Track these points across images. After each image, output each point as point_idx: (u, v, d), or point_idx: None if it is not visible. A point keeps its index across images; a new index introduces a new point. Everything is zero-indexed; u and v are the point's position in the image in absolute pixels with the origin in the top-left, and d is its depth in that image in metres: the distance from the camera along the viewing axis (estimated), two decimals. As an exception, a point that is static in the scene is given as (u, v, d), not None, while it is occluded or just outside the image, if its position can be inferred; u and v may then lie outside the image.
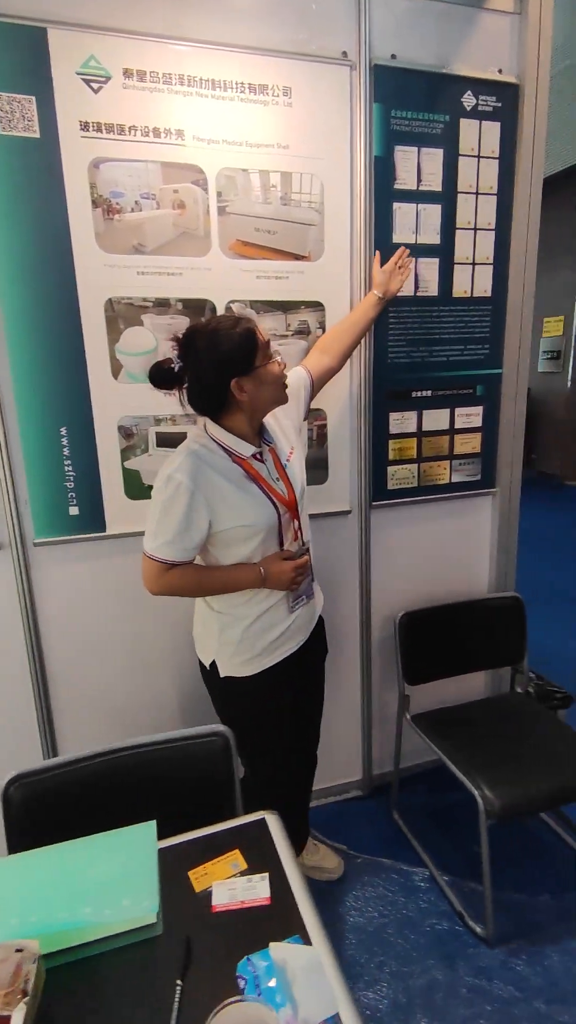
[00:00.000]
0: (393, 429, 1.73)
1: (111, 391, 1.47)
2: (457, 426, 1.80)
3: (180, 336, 1.15)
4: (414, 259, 1.62)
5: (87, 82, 1.31)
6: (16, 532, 1.47)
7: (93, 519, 1.52)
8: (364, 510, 1.75)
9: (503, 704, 1.82)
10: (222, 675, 1.30)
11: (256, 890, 0.89)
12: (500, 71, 1.60)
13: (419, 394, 1.73)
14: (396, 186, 1.57)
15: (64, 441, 1.46)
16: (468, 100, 1.58)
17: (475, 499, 1.89)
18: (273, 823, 1.03)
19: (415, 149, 1.56)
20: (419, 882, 1.66)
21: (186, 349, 1.14)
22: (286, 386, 1.24)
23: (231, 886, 0.90)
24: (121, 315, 1.44)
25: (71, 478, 1.49)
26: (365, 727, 1.94)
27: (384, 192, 1.56)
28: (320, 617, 1.49)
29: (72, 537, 1.51)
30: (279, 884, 0.90)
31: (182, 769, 1.16)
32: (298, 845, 1.68)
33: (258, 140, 1.44)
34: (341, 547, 1.78)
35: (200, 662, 1.36)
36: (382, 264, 1.57)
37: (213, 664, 1.31)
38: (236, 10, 1.37)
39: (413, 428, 1.75)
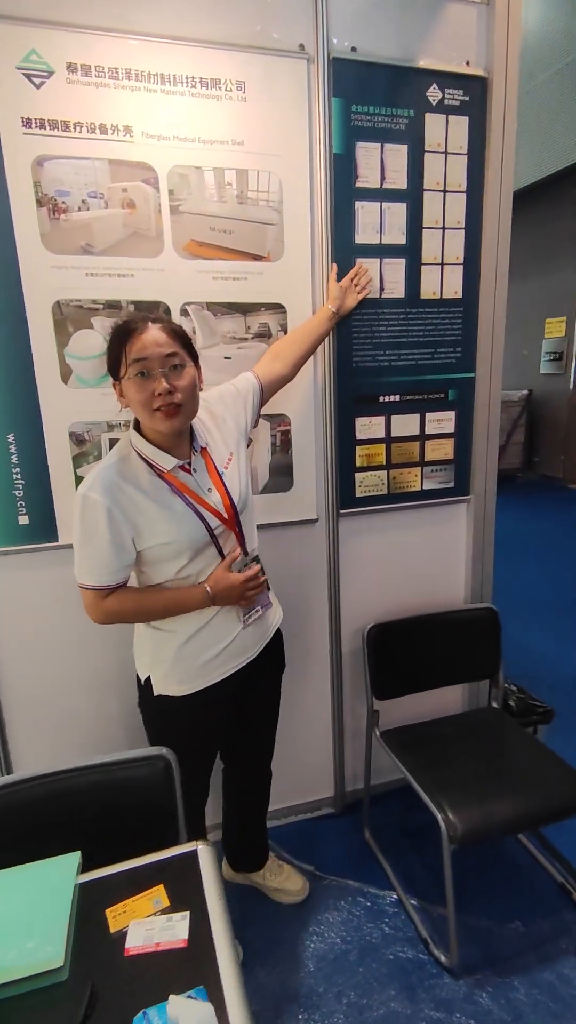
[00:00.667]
0: (360, 435, 1.67)
1: (61, 396, 1.42)
2: (428, 432, 1.74)
3: None
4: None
5: (28, 77, 1.26)
6: (-37, 542, 1.43)
7: (44, 528, 1.47)
8: (332, 518, 1.69)
9: (477, 720, 1.75)
10: (156, 693, 1.25)
11: (174, 931, 0.83)
12: (468, 63, 1.54)
13: (387, 399, 1.67)
14: (358, 184, 1.51)
15: (12, 448, 1.42)
16: (434, 94, 1.52)
17: (449, 507, 1.83)
18: (204, 855, 0.97)
19: (378, 145, 1.51)
20: (386, 906, 1.59)
21: None
22: (159, 411, 1.08)
23: (149, 926, 0.84)
24: (70, 318, 1.39)
25: (20, 486, 1.44)
26: (337, 742, 1.88)
27: (345, 190, 1.50)
28: (279, 631, 1.43)
29: (22, 547, 1.47)
30: (200, 923, 0.84)
31: (122, 793, 1.11)
32: (255, 863, 1.63)
33: (212, 136, 1.39)
34: (309, 556, 1.72)
35: (137, 675, 1.31)
36: (339, 277, 1.52)
37: (148, 680, 1.26)
38: (186, 1, 1.32)
39: (381, 434, 1.69)
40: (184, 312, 1.46)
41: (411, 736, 1.67)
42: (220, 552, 1.20)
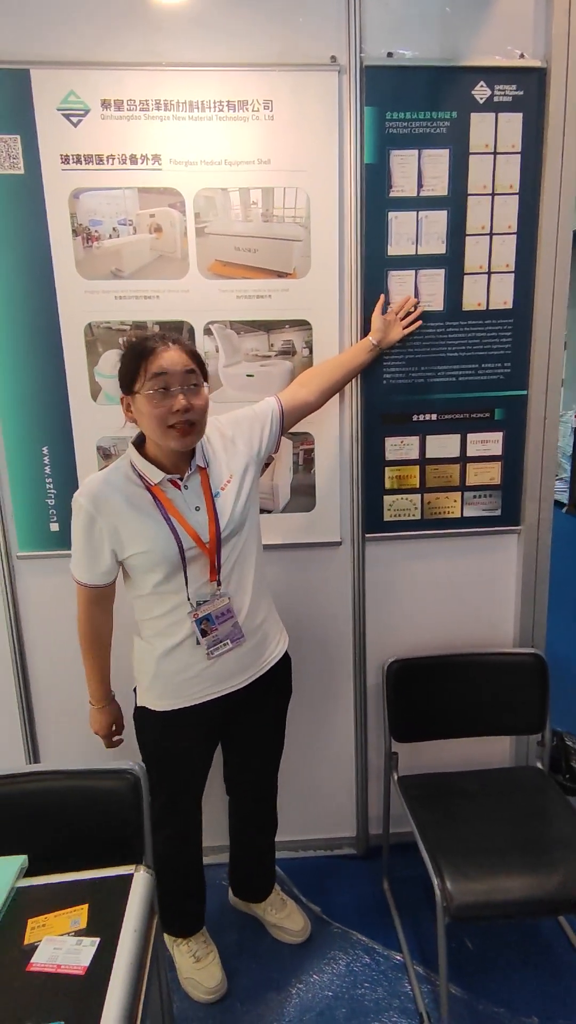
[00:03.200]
0: (390, 455, 1.57)
1: (90, 412, 1.50)
2: (470, 454, 1.59)
3: None
4: (412, 269, 1.47)
5: (67, 116, 1.36)
6: (2, 544, 1.55)
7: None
8: (357, 542, 1.61)
9: (513, 779, 1.56)
10: (138, 704, 1.27)
11: (79, 956, 0.82)
12: (522, 55, 1.41)
13: (421, 418, 1.56)
14: (392, 194, 1.44)
15: (46, 460, 1.52)
16: (481, 92, 1.41)
17: (495, 537, 1.66)
18: (139, 883, 0.95)
19: (415, 152, 1.42)
20: (389, 968, 1.46)
21: None
22: (173, 428, 1.10)
23: (58, 945, 0.84)
24: (100, 339, 1.47)
25: (52, 495, 1.54)
26: (360, 780, 1.77)
27: (377, 201, 1.43)
28: (285, 658, 1.38)
29: (53, 552, 1.56)
30: (107, 955, 0.82)
31: (88, 802, 1.12)
32: (256, 894, 1.58)
33: (237, 158, 1.40)
34: (332, 581, 1.65)
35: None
36: (384, 310, 1.46)
37: (135, 689, 1.29)
38: (215, 28, 1.35)
39: (415, 455, 1.58)
40: (207, 331, 1.47)
41: (432, 786, 1.52)
42: (185, 575, 1.18)
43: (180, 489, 1.18)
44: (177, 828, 1.35)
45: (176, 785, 1.32)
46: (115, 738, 1.38)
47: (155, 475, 1.16)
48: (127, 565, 1.18)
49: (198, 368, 1.13)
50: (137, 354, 1.11)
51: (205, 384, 1.15)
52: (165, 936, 1.45)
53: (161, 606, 1.19)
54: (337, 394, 1.51)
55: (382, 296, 1.47)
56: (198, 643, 1.20)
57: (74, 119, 1.36)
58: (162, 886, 1.34)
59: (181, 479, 1.18)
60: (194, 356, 1.14)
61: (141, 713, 1.27)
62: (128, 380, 1.12)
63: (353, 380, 1.51)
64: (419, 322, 1.49)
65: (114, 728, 1.37)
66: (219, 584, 1.20)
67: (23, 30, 1.32)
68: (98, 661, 1.30)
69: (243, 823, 1.53)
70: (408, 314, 1.48)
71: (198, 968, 1.42)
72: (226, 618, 1.21)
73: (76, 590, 1.23)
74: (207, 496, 1.19)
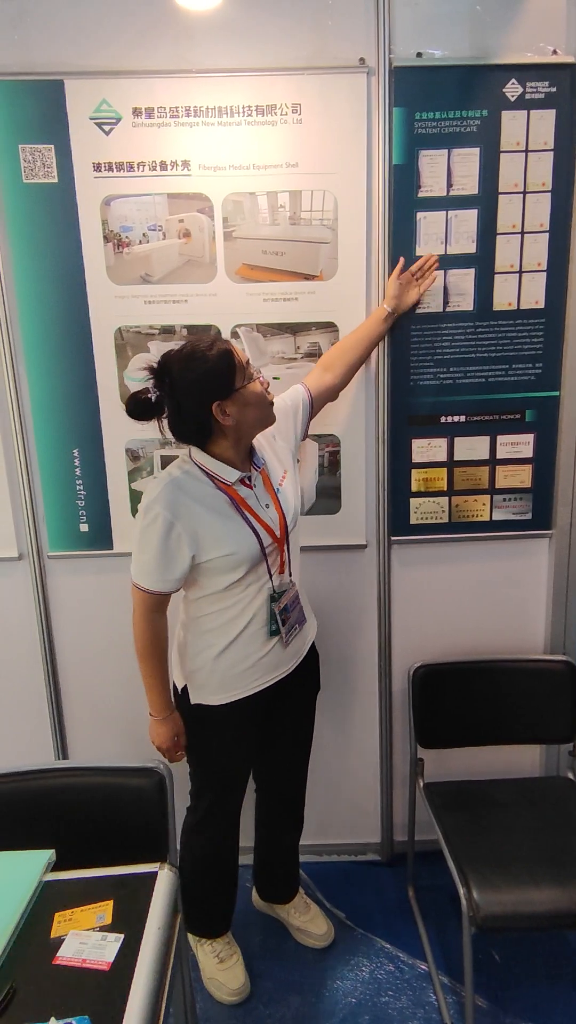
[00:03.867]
0: (417, 458, 1.56)
1: (120, 415, 1.50)
2: (500, 456, 1.57)
3: (155, 364, 1.15)
4: (440, 269, 1.45)
5: (99, 125, 1.38)
6: (34, 544, 1.58)
7: (101, 536, 1.58)
8: (383, 545, 1.60)
9: (542, 789, 1.53)
10: (192, 702, 1.28)
11: (103, 951, 0.84)
12: (555, 51, 1.38)
13: (449, 419, 1.54)
14: (421, 194, 1.43)
15: (76, 462, 1.55)
16: (512, 90, 1.39)
17: (525, 541, 1.63)
18: (163, 881, 0.96)
19: (444, 152, 1.41)
20: (413, 977, 1.44)
21: (161, 377, 1.13)
22: (272, 404, 1.19)
23: (84, 939, 0.86)
24: (129, 343, 1.49)
25: (82, 496, 1.57)
26: (385, 786, 1.76)
27: (406, 202, 1.42)
28: (314, 649, 1.39)
29: (82, 552, 1.59)
30: (131, 951, 0.83)
31: (114, 800, 1.14)
32: (281, 895, 1.58)
33: (265, 162, 1.41)
34: (357, 584, 1.64)
35: (173, 684, 1.34)
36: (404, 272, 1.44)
37: (185, 689, 1.29)
38: (243, 33, 1.35)
39: (442, 457, 1.56)
40: (234, 334, 1.48)
41: (459, 794, 1.50)
42: (268, 570, 1.21)
43: (251, 488, 1.20)
44: (220, 829, 1.37)
45: (225, 784, 1.34)
46: (179, 752, 1.31)
47: (231, 474, 1.17)
48: (203, 568, 1.18)
49: None
50: (227, 354, 1.11)
51: None
52: (188, 935, 1.46)
53: (224, 602, 1.21)
54: (363, 394, 1.51)
55: (401, 260, 1.43)
56: (277, 632, 1.22)
57: (106, 127, 1.39)
58: (197, 887, 1.36)
59: (249, 478, 1.20)
60: None
61: (196, 711, 1.28)
62: (227, 383, 1.11)
63: (380, 382, 1.50)
64: (432, 280, 1.44)
65: (177, 739, 1.30)
66: (290, 574, 1.24)
67: (57, 41, 1.35)
68: (158, 669, 1.26)
69: (271, 821, 1.53)
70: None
71: (222, 969, 1.42)
72: (295, 604, 1.26)
73: (136, 600, 1.21)
74: (271, 492, 1.22)
